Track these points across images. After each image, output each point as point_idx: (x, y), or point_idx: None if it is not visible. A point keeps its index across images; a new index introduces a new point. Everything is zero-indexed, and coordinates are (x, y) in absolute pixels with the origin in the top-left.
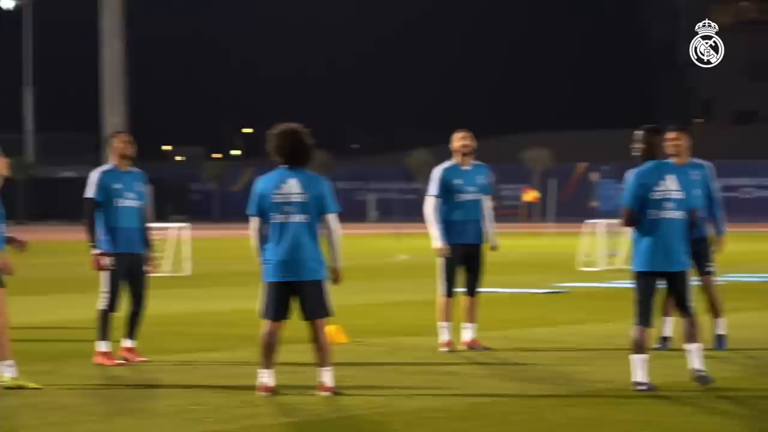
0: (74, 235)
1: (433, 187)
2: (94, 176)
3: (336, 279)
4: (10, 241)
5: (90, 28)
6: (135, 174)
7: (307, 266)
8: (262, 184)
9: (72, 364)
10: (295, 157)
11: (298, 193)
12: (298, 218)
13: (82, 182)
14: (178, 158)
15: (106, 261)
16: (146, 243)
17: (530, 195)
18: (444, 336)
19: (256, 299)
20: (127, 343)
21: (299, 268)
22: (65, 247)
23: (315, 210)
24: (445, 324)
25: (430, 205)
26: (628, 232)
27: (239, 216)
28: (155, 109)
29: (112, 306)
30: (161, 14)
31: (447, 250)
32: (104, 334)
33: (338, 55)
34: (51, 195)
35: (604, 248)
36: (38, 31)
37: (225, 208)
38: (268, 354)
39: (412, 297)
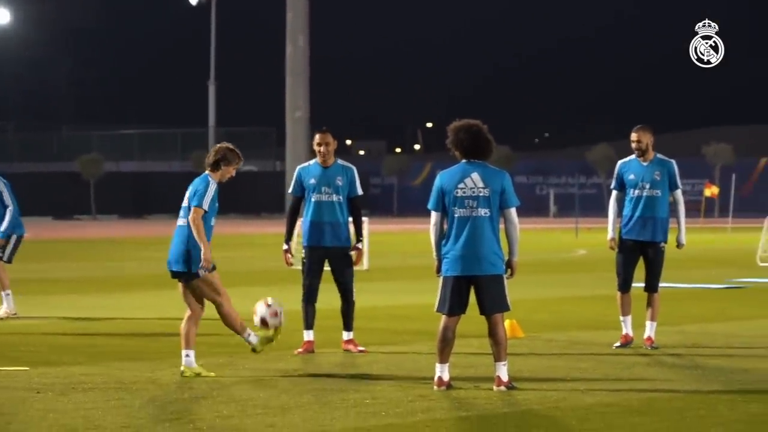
0: (254, 229)
1: (613, 180)
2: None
3: (512, 273)
4: None
5: (274, 23)
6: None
7: (488, 260)
8: (444, 178)
9: (249, 357)
10: (474, 152)
11: (480, 187)
12: (480, 212)
13: (263, 177)
14: (360, 152)
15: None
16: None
17: (710, 190)
18: (622, 330)
19: (433, 293)
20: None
21: (480, 262)
22: (245, 240)
23: (496, 204)
24: (621, 318)
25: (611, 198)
26: None
27: (418, 210)
28: (339, 103)
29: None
30: (349, 9)
31: (612, 242)
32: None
33: (521, 50)
34: (231, 189)
35: None
36: (222, 27)
37: (404, 203)
38: (444, 348)
39: (589, 292)
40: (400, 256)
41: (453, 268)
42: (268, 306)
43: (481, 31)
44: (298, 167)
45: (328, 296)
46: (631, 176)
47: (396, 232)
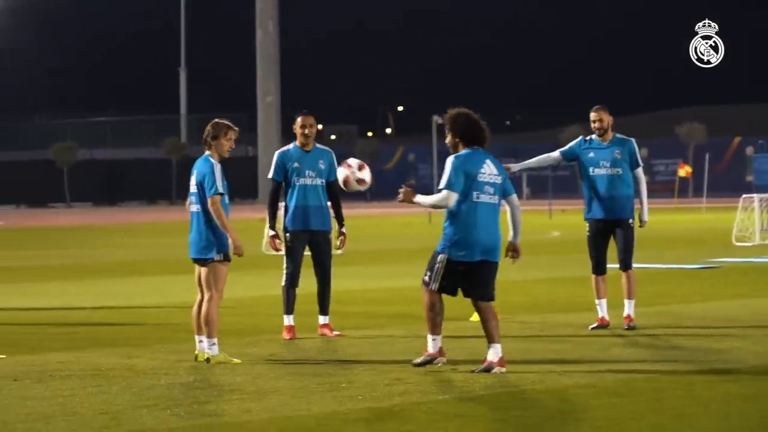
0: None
1: (566, 147)
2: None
3: (519, 254)
4: None
5: (244, 9)
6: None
7: (498, 247)
8: (465, 161)
9: (224, 343)
10: (478, 139)
11: (495, 174)
12: (496, 199)
13: (235, 162)
14: (332, 137)
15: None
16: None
17: (684, 170)
18: (598, 313)
19: (407, 277)
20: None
21: (494, 249)
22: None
23: (502, 191)
24: (596, 301)
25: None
26: None
27: (391, 194)
28: (309, 88)
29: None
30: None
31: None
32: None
33: (494, 32)
34: None
35: (759, 223)
36: (192, 13)
37: (377, 187)
38: (434, 318)
39: (563, 274)
40: (373, 240)
41: (468, 253)
42: (350, 167)
43: (452, 11)
44: (277, 152)
45: (300, 281)
46: (591, 154)
47: (369, 215)
